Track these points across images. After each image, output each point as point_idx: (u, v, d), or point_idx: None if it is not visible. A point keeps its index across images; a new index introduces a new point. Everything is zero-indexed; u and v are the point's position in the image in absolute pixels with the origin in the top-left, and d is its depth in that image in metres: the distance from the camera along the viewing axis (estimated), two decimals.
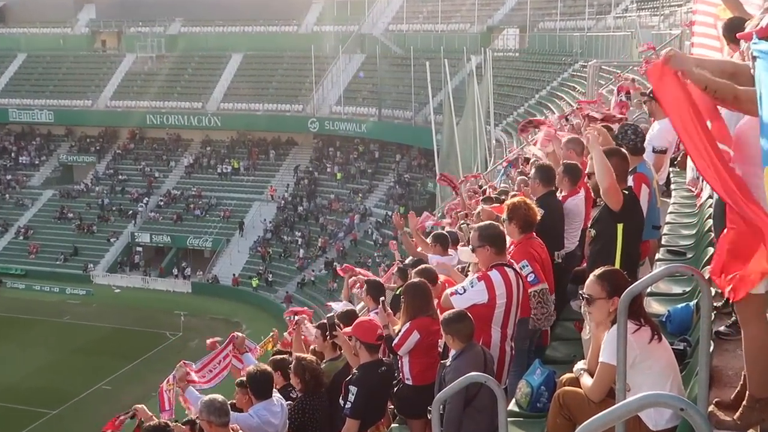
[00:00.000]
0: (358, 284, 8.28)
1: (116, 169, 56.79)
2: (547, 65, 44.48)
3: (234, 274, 46.93)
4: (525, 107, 40.35)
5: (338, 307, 8.45)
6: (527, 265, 6.08)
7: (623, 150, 5.98)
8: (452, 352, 5.37)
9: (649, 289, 6.07)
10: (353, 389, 5.80)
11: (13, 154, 59.45)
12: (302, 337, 7.85)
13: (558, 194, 7.34)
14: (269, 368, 6.30)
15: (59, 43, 63.17)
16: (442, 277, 6.76)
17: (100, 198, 54.38)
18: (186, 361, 6.82)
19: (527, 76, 45.43)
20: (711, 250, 5.75)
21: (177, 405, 6.93)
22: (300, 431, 6.32)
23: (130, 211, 52.85)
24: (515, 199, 6.46)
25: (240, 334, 7.48)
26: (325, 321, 6.90)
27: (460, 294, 5.64)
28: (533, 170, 7.52)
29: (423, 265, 7.11)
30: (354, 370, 6.05)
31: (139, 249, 51.47)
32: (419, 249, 8.88)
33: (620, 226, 5.37)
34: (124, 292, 46.93)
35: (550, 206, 6.86)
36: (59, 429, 29.21)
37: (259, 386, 6.03)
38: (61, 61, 62.55)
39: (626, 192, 5.48)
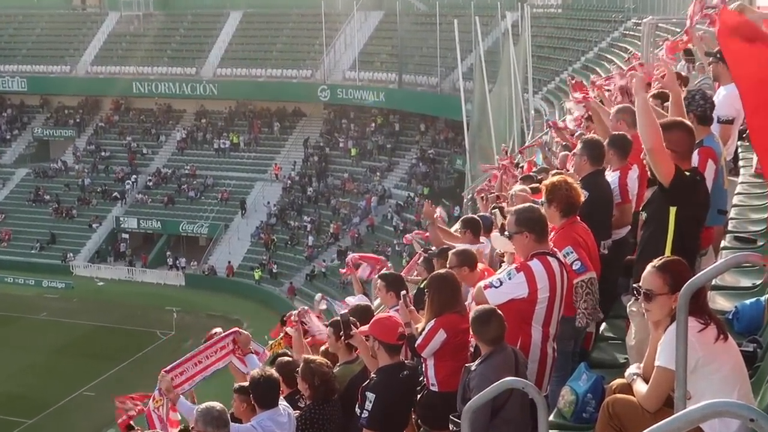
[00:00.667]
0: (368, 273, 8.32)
1: (98, 145, 57.21)
2: (594, 23, 44.19)
3: (229, 262, 47.23)
4: (568, 72, 40.08)
5: (353, 301, 8.50)
6: (572, 252, 6.04)
7: (687, 122, 5.79)
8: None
9: (713, 282, 6.03)
10: (371, 396, 5.82)
11: None
12: (305, 335, 7.89)
13: (608, 172, 7.30)
14: (275, 373, 6.31)
15: (32, 1, 63.48)
16: (481, 265, 6.76)
17: (80, 178, 54.89)
18: (166, 368, 6.83)
19: (571, 36, 45.15)
20: None
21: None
22: None
23: (115, 193, 53.30)
24: (554, 179, 6.41)
25: (244, 331, 7.49)
26: (339, 318, 6.93)
27: (496, 287, 5.62)
28: (580, 145, 7.46)
29: (458, 248, 7.09)
30: (372, 375, 6.06)
31: (125, 236, 51.94)
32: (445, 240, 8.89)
33: (673, 210, 5.23)
34: (108, 285, 47.42)
35: (597, 187, 6.82)
36: None
37: (264, 394, 6.05)
38: (35, 21, 63.01)
39: (688, 173, 5.24)
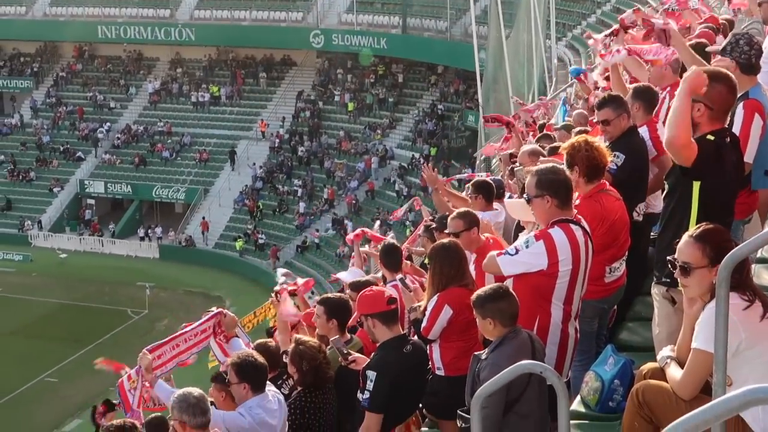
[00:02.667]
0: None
1: (59, 98, 57.10)
2: None
3: (203, 218, 47.08)
4: (597, 15, 39.84)
5: (346, 276, 8.51)
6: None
7: (732, 76, 5.68)
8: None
9: (759, 254, 6.02)
10: (371, 375, 5.82)
11: None
12: (286, 313, 7.96)
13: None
14: (256, 354, 6.33)
15: None
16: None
17: (38, 135, 54.79)
18: (149, 347, 6.90)
19: None
20: None
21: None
22: None
23: (79, 153, 53.30)
24: (573, 139, 6.40)
25: (230, 313, 7.54)
26: (330, 296, 6.98)
27: (511, 255, 5.60)
28: (631, 93, 7.41)
29: (458, 210, 7.11)
30: (372, 354, 6.10)
31: (91, 202, 52.02)
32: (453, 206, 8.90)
33: (696, 185, 5.16)
34: (72, 257, 47.56)
35: (634, 147, 6.80)
36: None
37: (251, 376, 6.08)
38: None
39: (711, 137, 5.13)
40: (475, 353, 5.54)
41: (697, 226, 4.44)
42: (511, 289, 5.41)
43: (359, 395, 5.87)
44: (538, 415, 5.26)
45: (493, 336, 5.33)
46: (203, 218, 48.37)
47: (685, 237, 4.37)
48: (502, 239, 7.12)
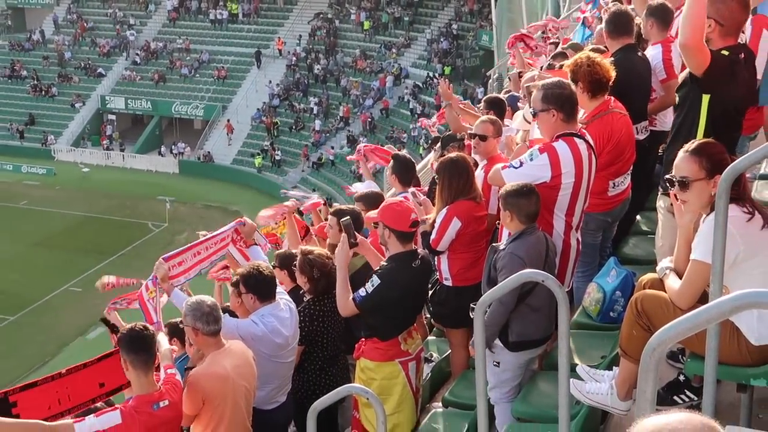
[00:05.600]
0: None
1: (80, 14, 56.68)
2: None
3: (227, 134, 47.00)
4: None
5: (361, 187, 8.53)
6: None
7: None
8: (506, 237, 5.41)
9: (761, 171, 6.00)
10: (375, 280, 5.87)
11: None
12: (295, 224, 8.02)
13: (650, 47, 7.19)
14: (265, 265, 6.37)
15: None
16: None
17: (60, 51, 54.46)
18: (165, 255, 6.92)
19: None
20: None
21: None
22: (310, 343, 6.49)
23: (99, 69, 53.03)
24: (576, 56, 6.34)
25: (251, 222, 7.55)
26: (341, 208, 6.98)
27: (515, 168, 5.61)
28: (646, 11, 7.32)
29: (490, 116, 7.10)
30: (382, 262, 6.10)
31: (112, 117, 51.94)
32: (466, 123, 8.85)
33: (706, 98, 5.11)
34: (94, 171, 47.72)
35: (623, 64, 6.72)
36: (18, 339, 30.26)
37: (258, 286, 6.13)
38: None
39: (725, 53, 5.04)
40: (493, 244, 5.59)
41: (692, 142, 4.41)
42: (536, 190, 5.44)
43: (358, 293, 5.92)
44: (547, 311, 5.34)
45: (511, 228, 5.41)
46: (228, 120, 48.39)
47: (681, 153, 4.35)
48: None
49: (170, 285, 6.59)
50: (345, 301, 5.96)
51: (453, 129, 9.19)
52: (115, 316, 7.36)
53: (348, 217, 6.24)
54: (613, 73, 6.12)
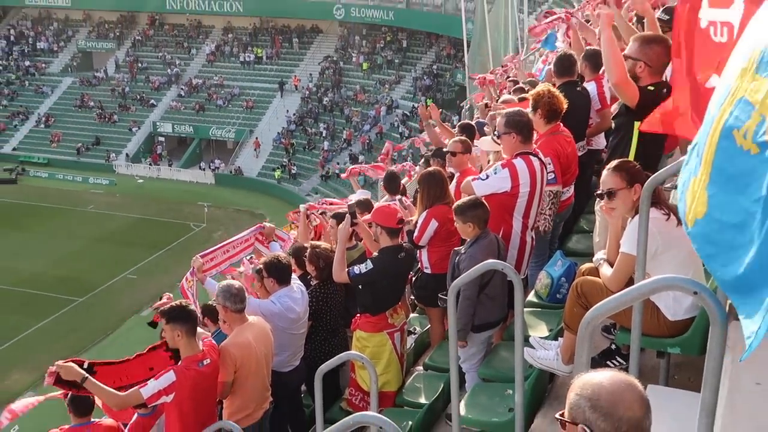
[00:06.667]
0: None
1: (136, 57, 56.47)
2: None
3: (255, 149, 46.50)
4: None
5: (356, 195, 8.55)
6: (550, 163, 6.04)
7: (668, 38, 5.54)
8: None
9: (677, 181, 5.99)
10: (368, 264, 5.89)
11: (30, 40, 59.17)
12: (311, 226, 8.03)
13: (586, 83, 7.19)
14: (283, 256, 6.40)
15: None
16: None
17: (120, 86, 54.31)
18: (201, 253, 6.96)
19: None
20: None
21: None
22: (316, 318, 6.50)
23: (152, 100, 52.86)
24: (539, 88, 6.34)
25: (270, 224, 7.67)
26: (343, 210, 6.97)
27: (483, 180, 5.62)
28: (582, 55, 7.33)
29: (461, 137, 7.12)
30: (375, 253, 6.12)
31: (161, 139, 51.76)
32: (444, 140, 8.86)
33: (637, 124, 5.08)
34: (147, 182, 47.54)
35: (568, 96, 6.72)
36: (86, 316, 30.22)
37: (277, 272, 6.14)
38: None
39: (651, 88, 4.93)
40: (455, 249, 5.60)
41: (613, 161, 4.42)
42: (482, 200, 5.44)
43: (353, 268, 5.93)
44: (501, 298, 5.35)
45: (470, 236, 5.38)
46: (256, 138, 48.30)
47: (604, 171, 4.36)
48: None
49: (204, 275, 6.65)
50: (340, 272, 6.00)
51: (434, 144, 9.20)
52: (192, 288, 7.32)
53: (353, 203, 6.30)
54: (565, 105, 6.12)
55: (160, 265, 34.08)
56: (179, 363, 5.17)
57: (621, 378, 2.16)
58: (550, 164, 5.98)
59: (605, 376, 2.16)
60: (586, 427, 2.11)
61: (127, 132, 51.72)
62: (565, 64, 7.01)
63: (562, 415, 2.21)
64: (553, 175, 6.03)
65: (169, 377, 5.02)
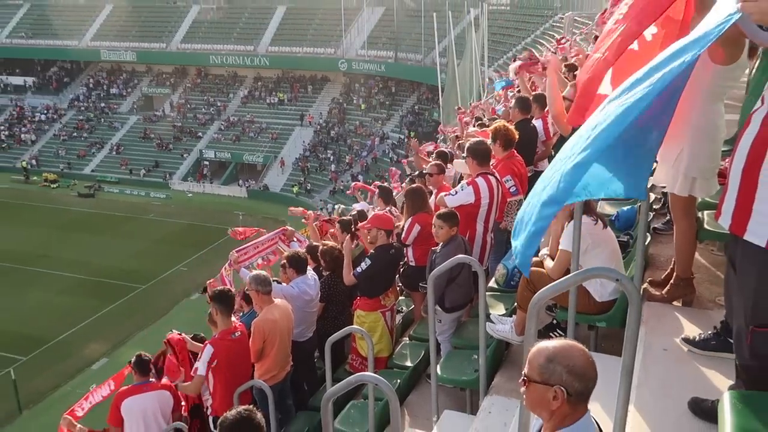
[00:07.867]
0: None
1: (187, 99, 56.27)
2: (531, 17, 43.04)
3: (280, 166, 46.60)
4: (512, 52, 39.12)
5: (358, 206, 8.57)
6: (510, 179, 6.04)
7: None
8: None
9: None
10: (367, 261, 5.89)
11: (105, 87, 59.00)
12: (316, 229, 8.03)
13: (534, 121, 7.21)
14: (302, 252, 6.40)
15: None
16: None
17: (174, 122, 54.08)
18: (236, 249, 6.96)
19: (515, 26, 43.99)
20: None
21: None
22: (327, 302, 6.49)
23: (199, 133, 52.66)
24: (497, 123, 6.38)
25: (291, 228, 7.68)
26: (347, 218, 6.97)
27: (453, 195, 5.65)
28: (513, 101, 7.39)
29: (437, 162, 7.14)
30: (371, 251, 6.11)
31: (206, 163, 51.56)
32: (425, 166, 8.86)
33: None
34: (195, 196, 47.25)
35: (523, 130, 6.76)
36: (148, 300, 30.01)
37: (297, 264, 6.14)
38: (141, 11, 61.21)
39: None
40: (432, 248, 5.59)
41: None
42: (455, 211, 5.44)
43: (356, 269, 5.92)
44: (467, 286, 5.33)
45: (444, 239, 5.37)
46: (281, 158, 48.17)
47: None
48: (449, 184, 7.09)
49: (239, 266, 6.64)
50: (348, 276, 5.98)
51: (417, 166, 9.21)
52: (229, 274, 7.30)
53: (355, 214, 6.33)
54: (517, 136, 6.15)
55: (205, 260, 33.84)
56: (215, 336, 5.17)
57: (580, 346, 2.09)
58: (510, 181, 5.99)
59: (558, 342, 2.09)
60: (563, 388, 2.03)
61: (180, 157, 51.49)
62: (525, 105, 7.07)
63: (526, 377, 2.08)
64: (515, 188, 6.03)
65: (208, 350, 5.02)
